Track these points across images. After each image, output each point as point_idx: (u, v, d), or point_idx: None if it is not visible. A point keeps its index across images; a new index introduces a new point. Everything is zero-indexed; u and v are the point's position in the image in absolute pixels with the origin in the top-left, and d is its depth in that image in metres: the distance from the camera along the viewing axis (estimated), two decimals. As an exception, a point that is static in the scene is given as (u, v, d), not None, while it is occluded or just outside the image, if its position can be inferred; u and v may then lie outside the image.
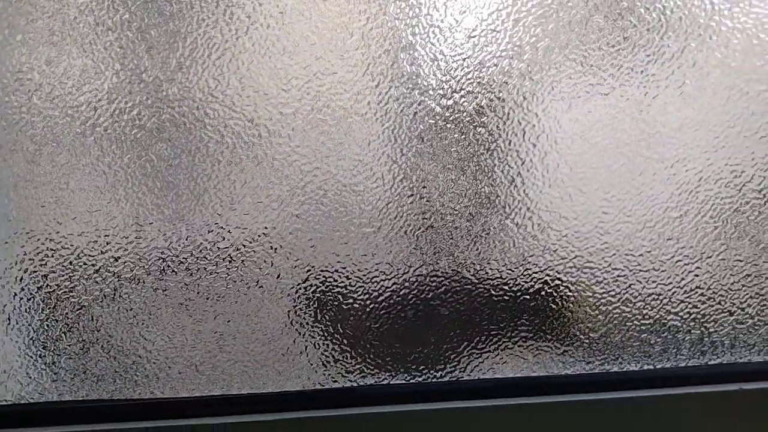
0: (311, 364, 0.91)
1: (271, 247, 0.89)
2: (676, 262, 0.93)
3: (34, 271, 0.87)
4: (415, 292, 0.91)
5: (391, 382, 0.92)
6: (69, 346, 0.88)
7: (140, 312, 0.88)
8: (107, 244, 0.87)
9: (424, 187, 0.89)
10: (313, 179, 0.88)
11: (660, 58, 0.89)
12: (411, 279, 0.90)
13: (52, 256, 0.86)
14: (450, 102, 0.88)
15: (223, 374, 0.91)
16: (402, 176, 0.88)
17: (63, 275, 0.87)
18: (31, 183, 0.85)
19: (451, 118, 0.88)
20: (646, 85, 0.89)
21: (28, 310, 0.87)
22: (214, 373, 0.90)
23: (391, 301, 0.91)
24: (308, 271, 0.89)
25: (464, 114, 0.88)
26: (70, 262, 0.87)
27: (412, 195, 0.89)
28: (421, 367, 0.92)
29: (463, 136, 0.88)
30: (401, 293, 0.91)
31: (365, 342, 0.91)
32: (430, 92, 0.87)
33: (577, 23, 0.88)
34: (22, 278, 0.87)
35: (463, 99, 0.88)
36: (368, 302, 0.91)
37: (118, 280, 0.88)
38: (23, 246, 0.86)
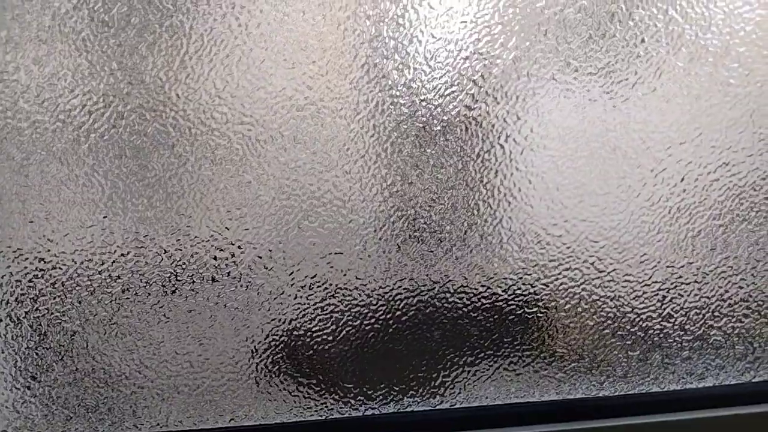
0: (290, 395, 0.83)
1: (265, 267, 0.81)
2: (720, 273, 0.87)
3: (22, 294, 0.78)
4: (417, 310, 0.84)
5: (379, 412, 0.84)
6: (61, 376, 0.79)
7: (140, 337, 0.80)
8: (103, 263, 0.78)
9: (419, 204, 0.82)
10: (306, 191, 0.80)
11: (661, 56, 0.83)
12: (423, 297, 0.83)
13: (42, 277, 0.78)
14: (445, 111, 0.81)
15: (232, 403, 0.83)
16: (394, 188, 0.81)
17: (54, 298, 0.78)
18: (18, 196, 0.76)
19: (447, 127, 0.81)
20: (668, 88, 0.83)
21: (14, 337, 0.78)
22: (222, 402, 0.82)
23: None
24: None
25: (458, 121, 0.81)
26: (62, 283, 0.78)
27: (399, 210, 0.82)
28: (417, 393, 0.85)
29: (457, 145, 0.81)
30: (391, 314, 0.84)
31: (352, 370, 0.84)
32: (423, 101, 0.80)
33: (564, 26, 0.81)
34: (7, 302, 0.78)
35: (457, 107, 0.81)
36: (365, 325, 0.83)
37: (117, 302, 0.79)
38: (9, 266, 0.77)
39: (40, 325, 0.78)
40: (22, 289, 0.78)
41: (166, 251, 0.79)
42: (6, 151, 0.75)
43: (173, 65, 0.76)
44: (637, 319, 0.87)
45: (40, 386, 0.79)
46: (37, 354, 0.79)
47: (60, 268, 0.78)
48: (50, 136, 0.75)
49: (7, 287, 0.77)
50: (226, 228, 0.79)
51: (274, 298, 0.81)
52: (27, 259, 0.77)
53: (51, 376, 0.79)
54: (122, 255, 0.79)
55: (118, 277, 0.79)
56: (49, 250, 0.78)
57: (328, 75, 0.79)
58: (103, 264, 0.78)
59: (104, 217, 0.78)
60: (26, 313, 0.78)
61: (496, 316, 0.85)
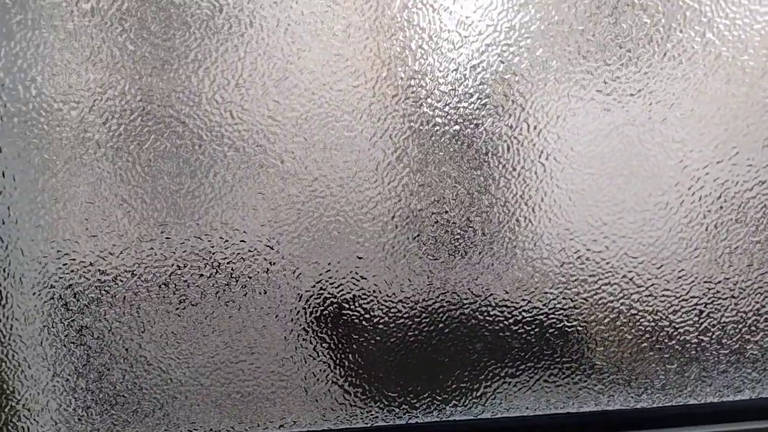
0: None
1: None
2: (757, 289, 0.89)
3: (85, 305, 0.82)
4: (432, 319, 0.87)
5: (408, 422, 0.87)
6: (120, 383, 0.83)
7: (196, 346, 0.84)
8: (161, 275, 0.82)
9: (441, 211, 0.85)
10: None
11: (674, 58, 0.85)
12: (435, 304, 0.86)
13: (103, 288, 0.82)
14: (488, 131, 0.84)
15: (281, 410, 0.86)
16: (440, 207, 0.84)
17: (114, 308, 0.82)
18: (83, 211, 0.80)
19: (489, 146, 0.84)
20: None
21: (77, 346, 0.82)
22: (272, 408, 0.86)
23: (405, 330, 0.86)
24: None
25: (475, 123, 0.84)
26: (123, 295, 0.82)
27: (443, 226, 0.85)
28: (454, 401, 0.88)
29: (473, 150, 0.84)
30: (415, 320, 0.86)
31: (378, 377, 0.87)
32: (436, 106, 0.83)
33: (603, 48, 0.84)
34: (71, 311, 0.82)
35: (499, 127, 0.84)
36: (380, 328, 0.86)
37: (174, 312, 0.83)
38: (72, 278, 0.81)
39: (102, 334, 0.82)
40: (84, 300, 0.82)
41: (219, 264, 0.83)
42: (73, 170, 0.79)
43: (228, 86, 0.80)
44: (675, 333, 0.89)
45: (101, 392, 0.83)
46: (98, 361, 0.83)
47: (121, 281, 0.82)
48: (112, 155, 0.80)
49: (70, 298, 0.81)
50: (277, 242, 0.83)
51: (321, 308, 0.85)
52: (89, 271, 0.82)
53: (111, 382, 0.83)
54: (179, 267, 0.82)
55: (176, 289, 0.83)
56: (110, 263, 0.82)
57: (374, 95, 0.82)
58: (161, 276, 0.82)
59: (162, 232, 0.82)
60: (89, 322, 0.82)
61: (536, 329, 0.87)
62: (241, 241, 0.83)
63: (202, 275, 0.83)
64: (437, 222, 0.85)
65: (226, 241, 0.82)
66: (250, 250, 0.83)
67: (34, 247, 0.80)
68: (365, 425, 0.87)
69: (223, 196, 0.82)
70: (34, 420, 0.83)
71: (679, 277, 0.88)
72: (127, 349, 0.83)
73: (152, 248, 0.81)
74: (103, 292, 0.82)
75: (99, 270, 0.82)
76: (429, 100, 0.82)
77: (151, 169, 0.80)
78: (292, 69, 0.81)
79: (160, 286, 0.82)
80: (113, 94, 0.78)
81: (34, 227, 0.80)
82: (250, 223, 0.82)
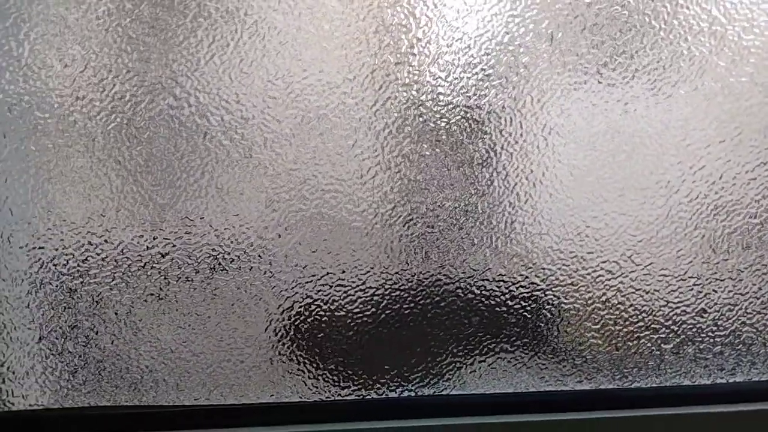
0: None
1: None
2: (755, 271, 0.89)
3: (75, 266, 0.80)
4: (412, 299, 0.86)
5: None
6: (110, 347, 0.82)
7: (187, 312, 0.82)
8: (154, 238, 0.80)
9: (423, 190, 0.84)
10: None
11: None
12: (408, 285, 0.85)
13: (93, 251, 0.80)
14: (491, 103, 0.82)
15: (272, 380, 0.85)
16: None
17: (105, 271, 0.80)
18: (78, 174, 0.78)
19: (451, 121, 0.83)
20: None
21: (65, 308, 0.80)
22: (263, 379, 0.84)
23: (358, 314, 0.85)
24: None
25: (466, 116, 0.83)
26: (114, 258, 0.81)
27: (442, 199, 0.84)
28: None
29: (465, 139, 0.83)
30: (366, 306, 0.85)
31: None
32: (439, 76, 0.82)
33: (610, 22, 0.83)
34: (61, 273, 0.80)
35: (502, 99, 0.83)
36: (360, 313, 0.85)
37: (165, 278, 0.81)
38: (62, 239, 0.79)
39: (91, 297, 0.81)
40: (75, 261, 0.80)
41: (216, 229, 0.81)
42: (69, 133, 0.77)
43: (228, 48, 0.78)
44: (671, 313, 0.88)
45: (90, 357, 0.81)
46: (87, 325, 0.81)
47: (111, 243, 0.80)
48: (105, 116, 0.78)
49: (60, 259, 0.80)
50: (274, 210, 0.81)
51: (318, 279, 0.83)
52: (80, 233, 0.80)
53: (100, 347, 0.81)
54: (171, 232, 0.81)
55: (167, 253, 0.81)
56: (101, 225, 0.80)
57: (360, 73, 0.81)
58: (154, 239, 0.80)
59: (156, 195, 0.80)
60: (78, 285, 0.80)
61: (533, 305, 0.86)
62: (235, 207, 0.81)
63: (197, 242, 0.81)
64: (436, 194, 0.83)
65: (221, 208, 0.81)
66: (244, 218, 0.81)
67: (23, 207, 0.78)
68: (356, 398, 0.86)
69: (215, 166, 0.80)
70: (19, 383, 0.81)
71: (678, 257, 0.87)
72: (116, 313, 0.81)
73: (143, 215, 0.80)
74: (93, 254, 0.80)
75: (90, 231, 0.80)
76: (432, 69, 0.81)
77: (148, 131, 0.79)
78: (292, 33, 0.79)
79: (150, 249, 0.81)
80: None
81: (23, 186, 0.78)
82: (246, 188, 0.81)
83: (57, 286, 0.80)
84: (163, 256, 0.81)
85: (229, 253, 0.82)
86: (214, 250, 0.81)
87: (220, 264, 0.82)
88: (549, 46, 0.82)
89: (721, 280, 0.88)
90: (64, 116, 0.77)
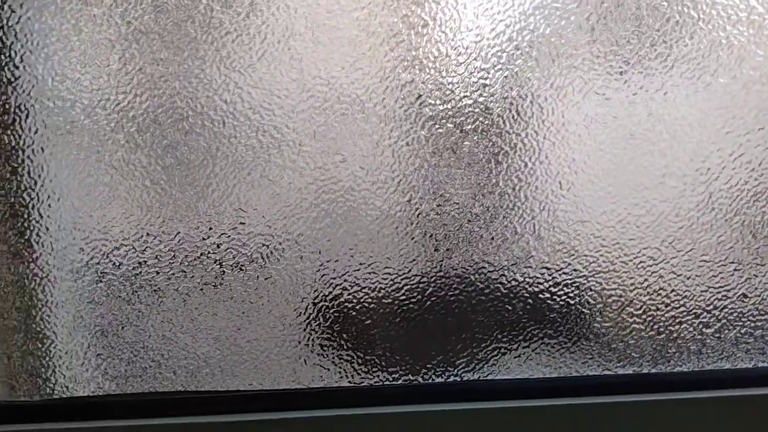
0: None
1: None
2: (797, 255, 0.90)
3: (134, 258, 0.84)
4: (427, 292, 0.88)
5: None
6: (129, 334, 0.85)
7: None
8: (161, 242, 0.84)
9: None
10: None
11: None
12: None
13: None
14: (496, 95, 0.84)
15: (322, 367, 0.88)
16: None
17: (164, 263, 0.84)
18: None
19: (472, 141, 0.85)
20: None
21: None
22: (284, 365, 0.87)
23: (405, 301, 0.88)
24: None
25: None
26: (171, 249, 0.84)
27: (484, 188, 0.86)
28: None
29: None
30: (416, 297, 0.88)
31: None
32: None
33: (650, 11, 0.84)
34: (120, 264, 0.84)
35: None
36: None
37: (221, 268, 0.84)
38: (122, 230, 0.83)
39: (150, 286, 0.84)
40: (134, 252, 0.84)
41: (268, 220, 0.84)
42: (127, 129, 0.81)
43: (237, 64, 0.81)
44: (713, 298, 0.90)
45: (149, 345, 0.85)
46: (146, 314, 0.85)
47: (168, 234, 0.83)
48: (162, 114, 0.81)
49: (120, 250, 0.83)
50: (322, 201, 0.84)
51: (365, 267, 0.86)
52: (138, 225, 0.83)
53: (159, 335, 0.85)
54: (226, 224, 0.84)
55: (222, 244, 0.84)
56: (159, 217, 0.83)
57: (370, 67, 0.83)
58: (209, 230, 0.84)
59: (209, 189, 0.83)
60: (137, 275, 0.84)
61: (576, 291, 0.88)
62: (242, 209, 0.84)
63: (250, 231, 0.84)
64: (480, 183, 0.86)
65: (229, 213, 0.84)
66: (252, 226, 0.84)
67: (86, 199, 0.82)
68: (403, 383, 0.88)
69: (272, 153, 0.83)
70: (81, 370, 0.85)
71: (719, 243, 0.89)
72: (174, 302, 0.84)
73: (201, 204, 0.83)
74: (151, 245, 0.84)
75: (148, 223, 0.83)
76: (477, 62, 0.84)
77: (201, 125, 0.82)
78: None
79: (204, 240, 0.84)
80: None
81: (85, 179, 0.82)
82: (295, 179, 0.84)
83: (117, 276, 0.84)
84: (218, 246, 0.84)
85: (280, 243, 0.85)
86: (266, 239, 0.85)
87: (272, 253, 0.85)
88: (591, 37, 0.84)
89: (762, 265, 0.90)
90: (123, 111, 0.81)
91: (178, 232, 0.84)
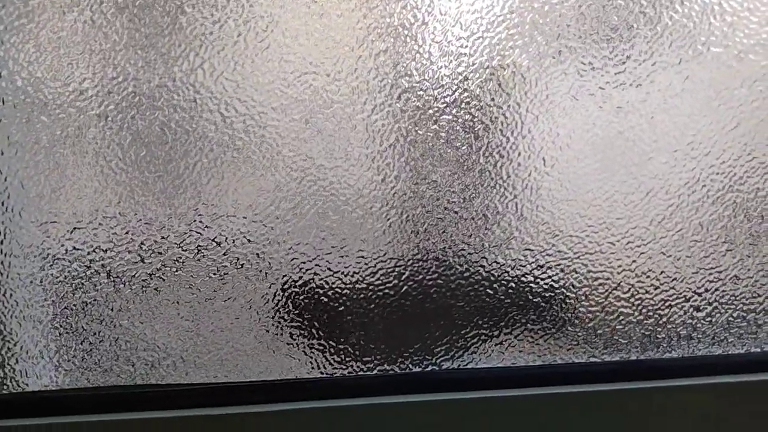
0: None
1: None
2: (793, 239, 0.86)
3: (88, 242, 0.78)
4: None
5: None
6: (106, 330, 0.80)
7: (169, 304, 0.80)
8: (137, 235, 0.78)
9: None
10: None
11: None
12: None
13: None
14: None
15: (293, 358, 0.83)
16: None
17: (120, 247, 0.78)
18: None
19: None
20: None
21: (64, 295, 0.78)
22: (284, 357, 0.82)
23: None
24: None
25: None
26: (128, 231, 0.78)
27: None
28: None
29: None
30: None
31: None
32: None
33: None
34: (74, 248, 0.78)
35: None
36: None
37: (182, 251, 0.79)
38: (75, 212, 0.77)
39: (106, 272, 0.78)
40: (88, 236, 0.78)
41: (189, 216, 0.79)
42: (81, 108, 0.75)
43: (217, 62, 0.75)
44: (704, 280, 0.86)
45: (105, 335, 0.79)
46: (101, 302, 0.79)
47: (125, 216, 0.78)
48: (117, 96, 0.75)
49: (73, 234, 0.77)
50: (289, 188, 0.79)
51: (338, 251, 0.81)
52: (93, 205, 0.78)
53: (115, 324, 0.79)
54: (185, 208, 0.78)
55: (134, 238, 0.78)
56: (116, 197, 0.78)
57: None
58: (117, 225, 0.78)
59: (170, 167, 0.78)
60: (91, 260, 0.78)
61: (560, 274, 0.84)
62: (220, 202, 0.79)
63: (213, 213, 0.79)
64: (454, 159, 0.81)
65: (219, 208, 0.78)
66: (231, 216, 0.79)
67: (34, 180, 0.76)
68: (379, 372, 0.84)
69: (194, 165, 0.78)
70: (32, 363, 0.79)
71: (710, 221, 0.85)
72: (132, 290, 0.79)
73: (124, 215, 0.77)
74: (107, 228, 0.78)
75: (104, 205, 0.77)
76: (455, 29, 0.78)
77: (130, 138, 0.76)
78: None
79: (164, 223, 0.78)
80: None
81: (33, 158, 0.76)
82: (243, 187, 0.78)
83: (70, 261, 0.78)
84: (179, 228, 0.78)
85: (245, 225, 0.79)
86: (230, 221, 0.79)
87: (237, 236, 0.79)
88: (576, 1, 0.79)
89: (755, 245, 0.86)
90: (79, 91, 0.75)
91: (135, 213, 0.78)
